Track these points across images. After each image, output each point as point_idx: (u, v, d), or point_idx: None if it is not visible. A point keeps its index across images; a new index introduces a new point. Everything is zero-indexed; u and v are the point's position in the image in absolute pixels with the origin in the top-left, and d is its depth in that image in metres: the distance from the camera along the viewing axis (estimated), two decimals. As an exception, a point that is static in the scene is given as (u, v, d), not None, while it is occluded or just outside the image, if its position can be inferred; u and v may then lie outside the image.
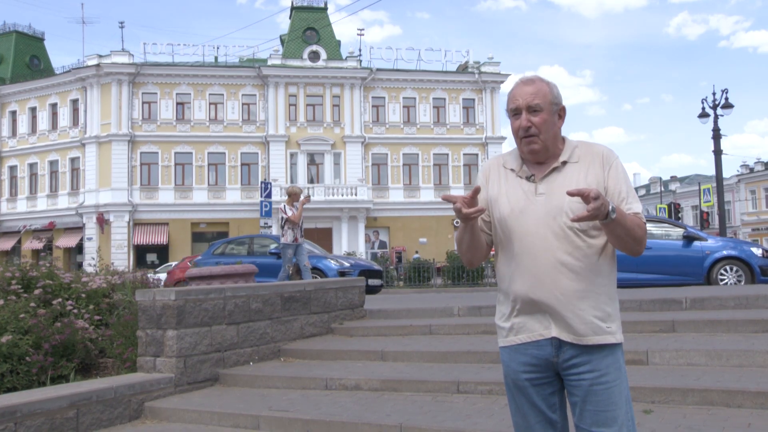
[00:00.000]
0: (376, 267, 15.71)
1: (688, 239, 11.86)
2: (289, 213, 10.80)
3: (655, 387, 4.31)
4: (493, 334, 6.31)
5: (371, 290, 14.39)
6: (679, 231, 12.15)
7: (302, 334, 6.85)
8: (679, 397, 4.21)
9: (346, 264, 14.61)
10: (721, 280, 11.45)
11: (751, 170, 59.38)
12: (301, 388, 5.43)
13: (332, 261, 14.55)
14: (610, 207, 2.03)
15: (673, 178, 71.75)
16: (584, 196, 1.98)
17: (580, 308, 2.14)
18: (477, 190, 2.17)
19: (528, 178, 2.24)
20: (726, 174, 32.64)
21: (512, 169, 2.29)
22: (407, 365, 5.71)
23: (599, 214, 2.00)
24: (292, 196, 11.01)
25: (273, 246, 14.84)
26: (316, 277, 13.55)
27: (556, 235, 2.15)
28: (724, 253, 11.60)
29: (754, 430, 3.66)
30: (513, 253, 2.22)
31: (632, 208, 2.16)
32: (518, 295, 2.21)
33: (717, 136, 21.95)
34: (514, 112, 2.24)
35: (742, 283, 11.28)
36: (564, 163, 2.23)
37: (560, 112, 2.26)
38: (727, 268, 11.47)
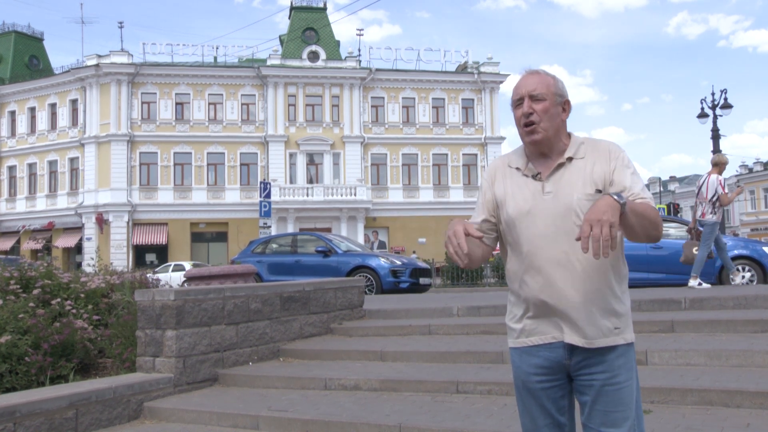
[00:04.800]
0: (426, 266, 15.01)
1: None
2: (727, 189, 9.50)
3: (654, 387, 4.31)
4: (492, 334, 6.34)
5: (422, 289, 14.08)
6: None
7: (301, 334, 6.85)
8: (678, 397, 4.21)
9: (398, 262, 13.92)
10: (733, 279, 11.38)
11: (750, 170, 59.44)
12: (300, 388, 5.43)
13: (383, 259, 13.95)
14: (621, 201, 1.94)
15: (672, 178, 71.82)
16: (584, 236, 1.90)
17: (591, 310, 2.11)
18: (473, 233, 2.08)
19: (534, 177, 2.20)
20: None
21: (517, 168, 2.25)
22: (406, 365, 5.71)
23: (613, 232, 1.90)
24: (720, 165, 9.69)
25: (320, 245, 14.36)
26: (366, 276, 13.22)
27: (566, 235, 2.11)
28: (736, 252, 11.43)
29: (753, 429, 3.66)
30: (522, 254, 2.18)
31: (638, 194, 2.10)
32: (529, 297, 2.17)
33: (716, 136, 21.95)
34: (517, 103, 2.21)
35: (755, 282, 11.15)
36: (570, 159, 2.18)
37: (564, 105, 2.23)
38: (739, 267, 11.38)
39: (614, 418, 2.10)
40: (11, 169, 39.97)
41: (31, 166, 39.43)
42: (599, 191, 2.13)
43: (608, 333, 2.12)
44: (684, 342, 5.40)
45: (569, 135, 2.25)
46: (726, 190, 9.46)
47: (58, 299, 6.43)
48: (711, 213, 9.54)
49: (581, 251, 1.99)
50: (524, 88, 2.20)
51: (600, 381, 2.11)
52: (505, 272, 2.31)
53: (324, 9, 41.14)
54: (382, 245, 36.99)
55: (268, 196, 23.60)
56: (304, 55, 38.56)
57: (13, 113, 39.99)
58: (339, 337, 7.03)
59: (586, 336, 2.11)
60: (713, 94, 22.35)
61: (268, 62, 38.27)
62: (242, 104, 37.94)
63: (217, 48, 38.95)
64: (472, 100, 40.05)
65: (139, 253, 36.01)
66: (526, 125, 2.18)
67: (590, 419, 2.14)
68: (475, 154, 39.64)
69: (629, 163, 2.18)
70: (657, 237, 2.11)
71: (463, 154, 39.62)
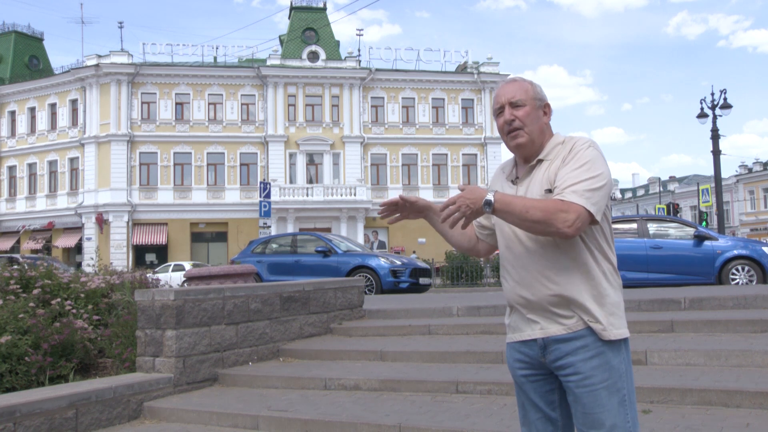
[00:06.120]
0: (426, 266, 14.97)
1: (699, 239, 11.79)
2: None
3: (653, 387, 4.32)
4: (492, 334, 6.35)
5: (422, 289, 14.14)
6: (690, 230, 12.08)
7: (301, 334, 6.85)
8: (677, 397, 4.22)
9: (398, 262, 13.91)
10: (733, 279, 11.35)
11: (750, 170, 59.41)
12: (300, 388, 5.43)
13: (383, 259, 13.97)
14: (485, 200, 2.04)
15: (672, 178, 71.77)
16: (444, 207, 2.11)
17: (553, 309, 2.14)
18: (394, 202, 2.41)
19: (513, 181, 2.27)
20: (725, 174, 32.72)
21: (506, 174, 2.34)
22: (406, 365, 5.72)
23: (466, 214, 2.07)
24: None
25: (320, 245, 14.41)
26: (366, 276, 13.28)
27: (527, 237, 2.17)
28: (735, 252, 11.51)
29: (752, 430, 3.67)
30: (502, 255, 2.30)
31: (562, 194, 2.05)
32: (506, 296, 2.29)
33: (716, 136, 21.99)
34: (498, 111, 2.26)
35: (754, 282, 11.18)
36: (540, 161, 2.22)
37: (545, 109, 2.26)
38: (739, 267, 11.38)
39: (591, 420, 2.11)
40: (11, 169, 39.96)
41: (31, 166, 39.42)
42: (549, 191, 2.13)
43: (573, 328, 2.13)
44: (683, 342, 5.40)
45: (552, 137, 2.27)
46: None
47: (58, 299, 6.44)
48: None
49: (546, 247, 2.13)
50: (503, 97, 2.24)
51: (574, 382, 2.14)
52: None
53: (324, 9, 41.15)
54: (381, 245, 37.01)
55: (268, 196, 23.61)
56: (304, 55, 38.56)
57: (13, 113, 39.99)
58: (339, 337, 7.04)
59: (551, 332, 2.15)
60: (713, 94, 22.40)
61: (268, 62, 38.27)
62: (242, 104, 37.93)
63: (217, 48, 39.01)
64: (472, 100, 40.05)
65: (139, 253, 36.00)
66: (509, 132, 2.22)
67: (576, 419, 2.18)
68: (475, 154, 39.64)
69: (587, 157, 2.11)
70: (538, 230, 2.05)
71: (463, 154, 39.62)
